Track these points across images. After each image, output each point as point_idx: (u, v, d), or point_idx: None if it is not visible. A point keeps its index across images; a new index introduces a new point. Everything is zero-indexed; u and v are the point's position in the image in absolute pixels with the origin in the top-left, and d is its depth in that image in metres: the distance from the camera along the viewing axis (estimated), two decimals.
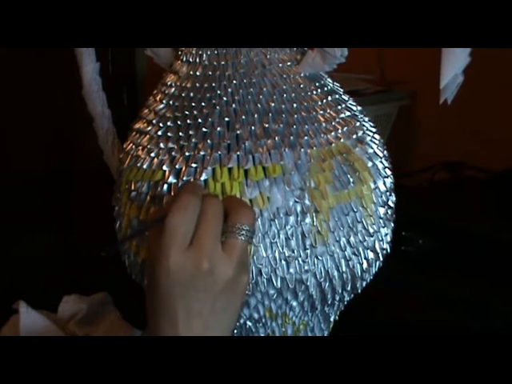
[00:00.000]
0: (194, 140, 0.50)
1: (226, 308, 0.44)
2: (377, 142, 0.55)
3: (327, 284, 0.51)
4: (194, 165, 0.49)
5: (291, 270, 0.49)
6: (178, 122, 0.51)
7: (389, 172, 0.55)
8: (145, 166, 0.51)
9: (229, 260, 0.43)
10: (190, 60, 0.53)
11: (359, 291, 0.55)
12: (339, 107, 0.54)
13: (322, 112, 0.52)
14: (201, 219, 0.43)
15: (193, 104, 0.51)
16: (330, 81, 0.56)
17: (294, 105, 0.51)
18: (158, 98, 0.54)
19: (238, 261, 0.43)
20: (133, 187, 0.52)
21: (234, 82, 0.51)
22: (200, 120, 0.50)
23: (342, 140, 0.52)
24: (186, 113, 0.51)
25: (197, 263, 0.42)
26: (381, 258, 0.55)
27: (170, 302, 0.43)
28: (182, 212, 0.43)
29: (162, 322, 0.43)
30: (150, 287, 0.44)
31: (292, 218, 0.48)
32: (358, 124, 0.54)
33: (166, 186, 0.50)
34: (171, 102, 0.53)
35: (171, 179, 0.49)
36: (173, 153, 0.50)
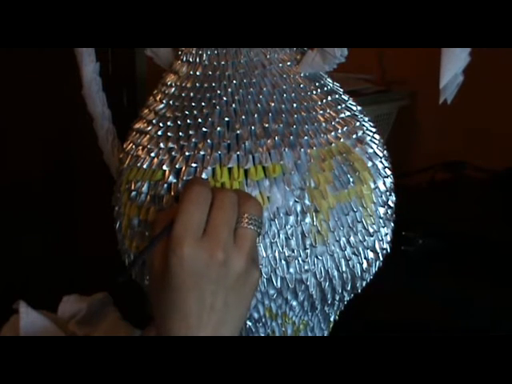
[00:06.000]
0: (194, 140, 0.50)
1: (238, 304, 0.43)
2: (377, 141, 0.55)
3: (327, 284, 0.51)
4: (194, 164, 0.49)
5: (291, 270, 0.49)
6: (178, 122, 0.51)
7: (389, 172, 0.55)
8: (145, 166, 0.51)
9: (240, 251, 0.42)
10: (190, 60, 0.53)
11: (359, 291, 0.55)
12: (339, 107, 0.54)
13: (321, 112, 0.52)
14: (215, 209, 0.42)
15: (193, 104, 0.51)
16: (330, 81, 0.56)
17: (294, 105, 0.51)
18: (158, 98, 0.54)
19: (249, 252, 0.43)
20: (133, 187, 0.52)
21: (234, 81, 0.51)
22: (200, 120, 0.50)
23: (341, 140, 0.52)
24: (186, 113, 0.51)
25: (211, 253, 0.41)
26: (381, 258, 0.55)
27: (182, 295, 0.42)
28: (195, 201, 0.42)
29: (174, 317, 0.42)
30: (159, 282, 0.43)
31: (292, 218, 0.48)
32: (357, 124, 0.54)
33: (165, 186, 0.50)
34: (171, 102, 0.53)
35: (171, 179, 0.49)
36: (173, 153, 0.50)
